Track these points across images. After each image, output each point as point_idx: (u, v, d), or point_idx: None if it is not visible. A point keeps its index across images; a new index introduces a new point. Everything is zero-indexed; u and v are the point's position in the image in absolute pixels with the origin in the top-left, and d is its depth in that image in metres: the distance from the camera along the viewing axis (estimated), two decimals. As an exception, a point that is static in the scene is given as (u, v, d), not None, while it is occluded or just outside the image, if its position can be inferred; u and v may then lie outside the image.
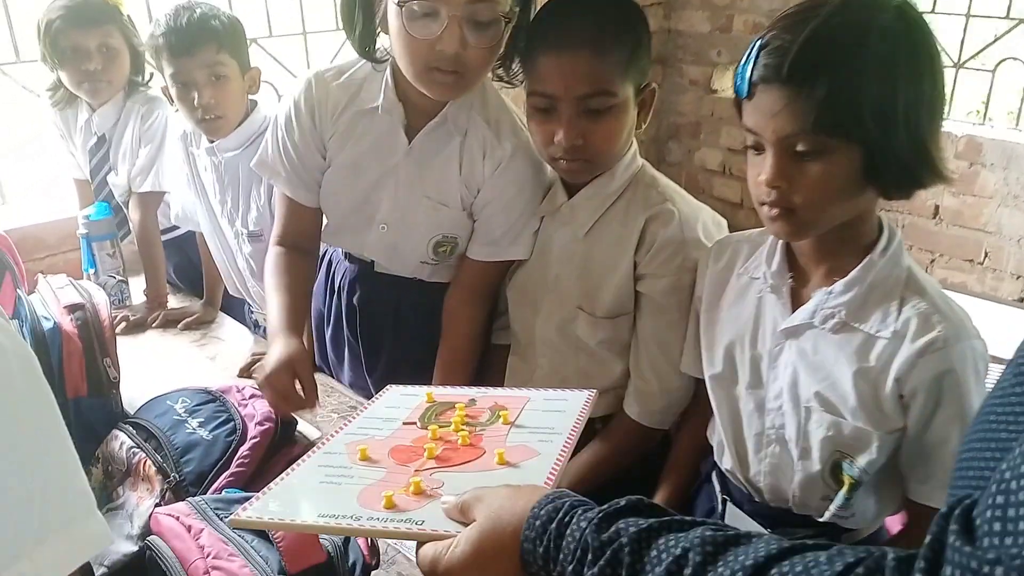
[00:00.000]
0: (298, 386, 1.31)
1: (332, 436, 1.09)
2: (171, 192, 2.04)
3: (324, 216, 1.52)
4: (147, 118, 2.02)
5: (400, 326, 1.54)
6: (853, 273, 1.01)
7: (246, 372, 1.73)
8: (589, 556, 0.65)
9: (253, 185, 1.79)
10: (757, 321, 1.09)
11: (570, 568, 0.66)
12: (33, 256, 2.22)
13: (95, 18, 1.93)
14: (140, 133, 2.04)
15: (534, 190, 1.40)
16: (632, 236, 1.27)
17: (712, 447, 1.20)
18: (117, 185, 2.10)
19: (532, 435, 1.01)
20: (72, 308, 1.48)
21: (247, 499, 1.16)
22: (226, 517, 1.12)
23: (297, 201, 1.47)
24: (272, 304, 1.43)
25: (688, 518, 0.66)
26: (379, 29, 1.31)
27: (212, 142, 1.79)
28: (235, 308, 2.08)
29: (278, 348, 1.31)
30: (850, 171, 0.95)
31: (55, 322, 1.44)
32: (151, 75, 2.08)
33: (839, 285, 1.01)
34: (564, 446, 0.96)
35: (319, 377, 1.70)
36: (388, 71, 1.36)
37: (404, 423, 1.09)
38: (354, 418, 1.14)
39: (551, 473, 0.90)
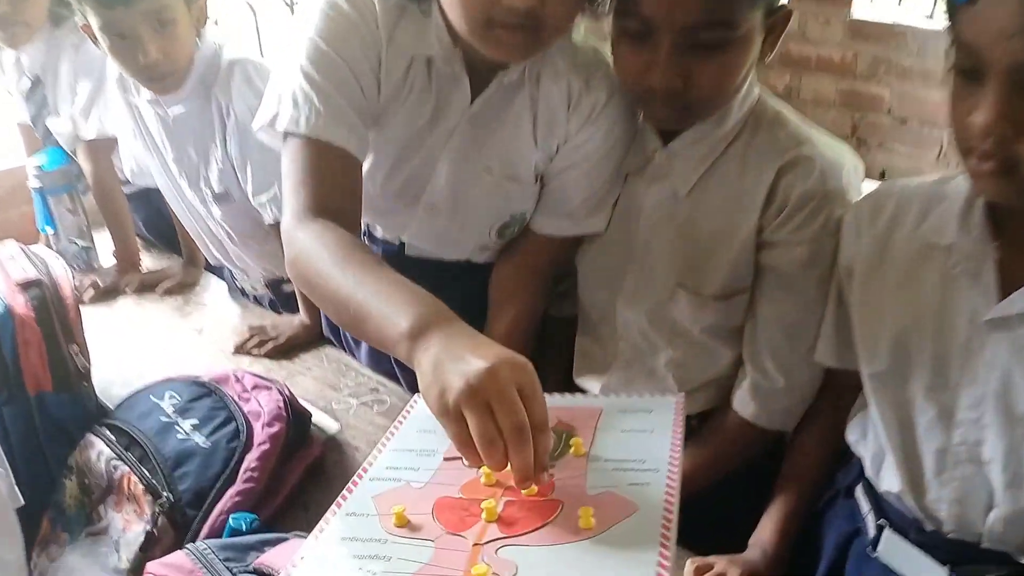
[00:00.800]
0: None
1: (356, 482, 0.81)
2: (122, 137, 1.72)
3: None
4: (79, 47, 1.67)
5: None
6: None
7: (242, 348, 1.46)
8: None
9: (208, 136, 1.47)
10: (944, 305, 0.83)
11: None
12: (-20, 211, 1.92)
13: None
14: (76, 67, 1.69)
15: (625, 148, 1.09)
16: (757, 193, 0.99)
17: (851, 452, 0.95)
18: (61, 133, 1.75)
19: (619, 473, 0.75)
20: (26, 285, 1.21)
21: (265, 541, 0.91)
22: (239, 570, 0.87)
23: (339, 148, 0.97)
24: (372, 300, 0.82)
25: None
26: None
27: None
28: (218, 272, 1.79)
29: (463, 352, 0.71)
30: None
31: (5, 304, 1.18)
32: None
33: None
34: (668, 494, 0.71)
35: (330, 351, 1.45)
36: (436, 8, 1.01)
37: (446, 458, 0.82)
38: (380, 450, 0.86)
39: (662, 548, 0.65)
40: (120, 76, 1.53)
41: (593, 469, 0.76)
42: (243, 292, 1.74)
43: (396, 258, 1.21)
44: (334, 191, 0.97)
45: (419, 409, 0.93)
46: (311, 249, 0.91)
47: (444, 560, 0.66)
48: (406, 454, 0.84)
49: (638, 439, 0.80)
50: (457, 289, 1.20)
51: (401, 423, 0.90)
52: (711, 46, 0.90)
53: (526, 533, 0.68)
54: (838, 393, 1.00)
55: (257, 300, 1.73)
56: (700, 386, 1.10)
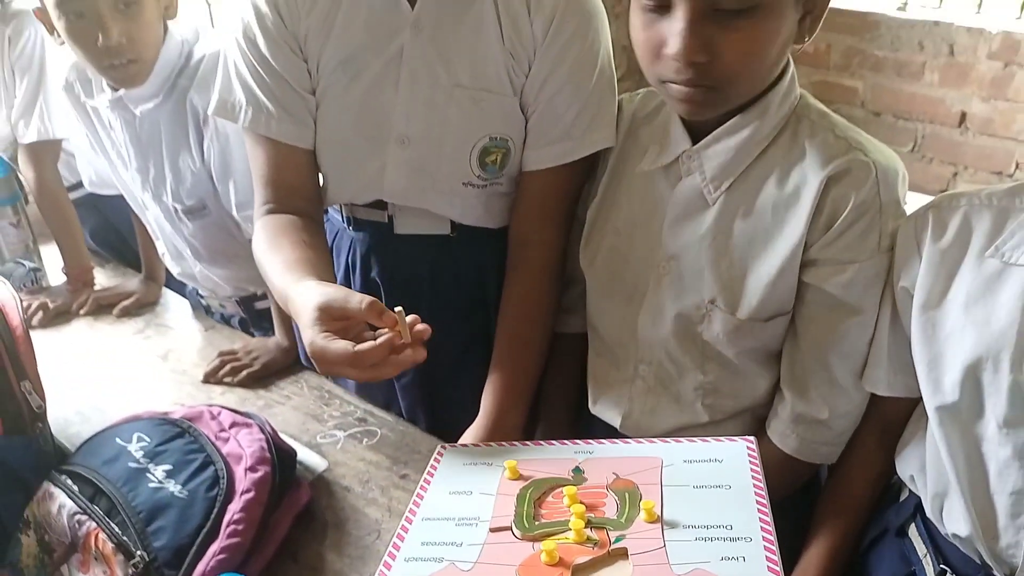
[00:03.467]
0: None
1: (389, 564, 0.70)
2: (69, 140, 1.58)
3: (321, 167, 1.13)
4: (16, 40, 1.53)
5: (437, 300, 1.16)
6: None
7: (213, 377, 1.34)
8: None
9: (181, 144, 1.34)
10: None
11: None
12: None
13: None
14: (12, 62, 1.54)
15: (607, 49, 1.04)
16: (803, 203, 0.90)
17: (901, 487, 0.88)
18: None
19: (706, 545, 0.65)
20: (-33, 316, 1.07)
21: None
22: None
23: (285, 144, 1.08)
24: (273, 270, 1.01)
25: None
26: None
27: (116, 90, 1.33)
28: (179, 289, 1.66)
29: (299, 311, 0.89)
30: None
31: (-55, 339, 1.04)
32: None
33: None
34: (771, 568, 0.62)
35: (310, 377, 1.34)
36: None
37: (492, 529, 0.72)
38: (409, 520, 0.75)
39: None
40: (67, 82, 1.40)
41: (673, 539, 0.66)
42: (208, 310, 1.61)
43: (388, 239, 1.16)
44: (288, 186, 1.09)
45: (447, 465, 0.84)
46: (261, 242, 1.06)
47: None
48: (442, 525, 0.73)
49: (715, 497, 0.71)
50: (448, 267, 1.16)
51: (428, 484, 0.80)
52: (734, 12, 0.81)
53: None
54: (885, 422, 0.93)
55: (224, 319, 1.60)
56: (733, 415, 1.01)
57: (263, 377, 1.34)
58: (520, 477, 0.79)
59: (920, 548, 0.87)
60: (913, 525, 0.89)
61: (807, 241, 0.90)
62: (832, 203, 0.88)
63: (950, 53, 2.68)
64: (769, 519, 0.67)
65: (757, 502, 0.69)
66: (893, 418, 0.92)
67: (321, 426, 1.22)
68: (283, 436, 1.13)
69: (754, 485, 0.72)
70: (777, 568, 0.62)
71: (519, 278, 1.11)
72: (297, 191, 1.11)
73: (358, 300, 0.84)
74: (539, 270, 1.10)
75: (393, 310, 0.83)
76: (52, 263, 1.65)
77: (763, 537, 0.65)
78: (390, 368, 0.82)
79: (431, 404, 1.23)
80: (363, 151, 1.08)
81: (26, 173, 1.59)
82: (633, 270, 1.01)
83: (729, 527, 0.67)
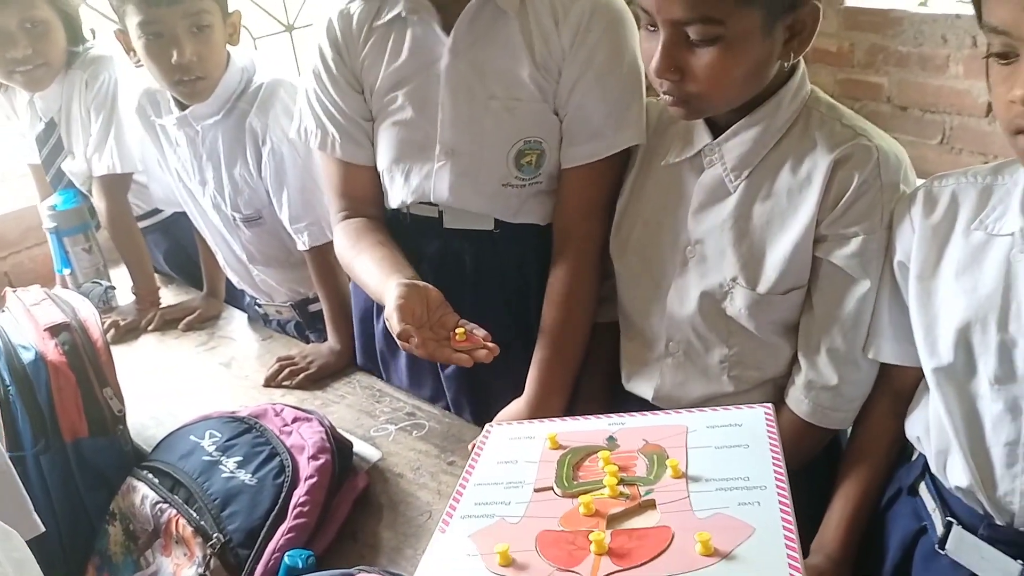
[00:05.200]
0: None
1: (448, 518, 0.80)
2: (140, 172, 1.71)
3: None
4: (92, 84, 1.66)
5: (480, 291, 1.24)
6: None
7: (273, 381, 1.44)
8: None
9: (238, 158, 1.47)
10: (1007, 294, 0.82)
11: None
12: (-7, 256, 1.90)
13: None
14: (88, 103, 1.68)
15: (633, 52, 1.12)
16: (814, 185, 0.98)
17: (912, 449, 0.95)
18: (75, 173, 1.74)
19: (725, 493, 0.74)
20: (55, 330, 1.19)
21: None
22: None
23: (353, 164, 1.25)
24: (363, 269, 1.19)
25: None
26: None
27: (183, 109, 1.47)
28: (238, 301, 1.78)
29: (392, 294, 1.04)
30: None
31: (36, 351, 1.16)
32: (92, 32, 1.72)
33: None
34: (784, 513, 0.70)
35: (362, 378, 1.43)
36: None
37: (536, 489, 0.81)
38: (463, 486, 0.85)
39: (792, 571, 0.64)
40: (139, 105, 1.55)
41: (696, 491, 0.74)
42: (265, 319, 1.73)
43: (436, 233, 1.25)
44: (357, 197, 1.28)
45: (494, 440, 0.93)
46: (342, 242, 1.26)
47: None
48: (492, 488, 0.83)
49: (735, 455, 0.79)
50: (492, 261, 1.25)
51: (478, 456, 0.90)
52: (701, 42, 0.91)
53: (644, 564, 0.66)
54: (896, 392, 0.99)
55: (280, 325, 1.71)
56: (757, 385, 1.09)
57: (319, 379, 1.44)
58: (559, 447, 0.88)
59: (929, 503, 0.93)
60: (923, 483, 0.95)
61: (818, 219, 0.98)
62: (839, 183, 0.96)
63: (973, 45, 2.71)
64: (783, 470, 0.75)
65: (772, 457, 0.77)
66: (903, 388, 0.98)
67: (374, 421, 1.32)
68: (340, 431, 1.22)
69: (770, 443, 0.80)
70: (788, 510, 0.70)
71: (562, 269, 1.19)
72: (364, 200, 1.28)
73: (435, 294, 1.05)
74: (580, 261, 1.18)
75: (456, 329, 1.02)
76: (120, 284, 1.77)
77: (776, 485, 0.73)
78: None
79: (474, 393, 1.32)
80: (414, 162, 1.20)
81: (98, 204, 1.72)
82: (660, 256, 1.10)
83: (747, 478, 0.75)
